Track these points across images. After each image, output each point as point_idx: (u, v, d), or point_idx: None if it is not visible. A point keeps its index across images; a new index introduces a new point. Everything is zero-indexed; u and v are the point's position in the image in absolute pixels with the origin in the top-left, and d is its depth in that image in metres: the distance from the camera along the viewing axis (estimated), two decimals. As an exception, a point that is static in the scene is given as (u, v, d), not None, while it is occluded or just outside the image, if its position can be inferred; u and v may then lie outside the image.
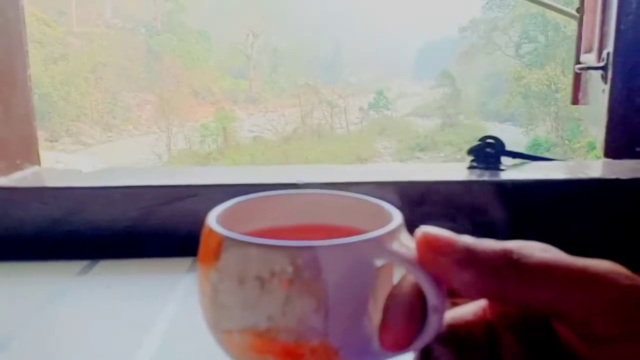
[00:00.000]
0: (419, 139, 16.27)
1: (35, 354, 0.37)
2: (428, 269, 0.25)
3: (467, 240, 0.24)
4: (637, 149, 0.71)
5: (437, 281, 0.26)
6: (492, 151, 0.58)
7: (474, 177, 0.55)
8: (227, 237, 0.28)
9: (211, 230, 0.30)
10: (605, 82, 0.72)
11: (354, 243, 0.28)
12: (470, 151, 0.59)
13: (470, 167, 0.59)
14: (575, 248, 0.28)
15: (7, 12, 0.57)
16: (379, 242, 0.28)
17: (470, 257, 0.23)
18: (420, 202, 0.53)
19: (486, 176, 0.55)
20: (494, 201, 0.54)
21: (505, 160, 0.60)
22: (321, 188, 0.38)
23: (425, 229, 0.25)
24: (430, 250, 0.24)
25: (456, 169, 0.58)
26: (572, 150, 12.94)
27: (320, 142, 15.87)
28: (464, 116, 17.77)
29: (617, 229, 0.54)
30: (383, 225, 0.29)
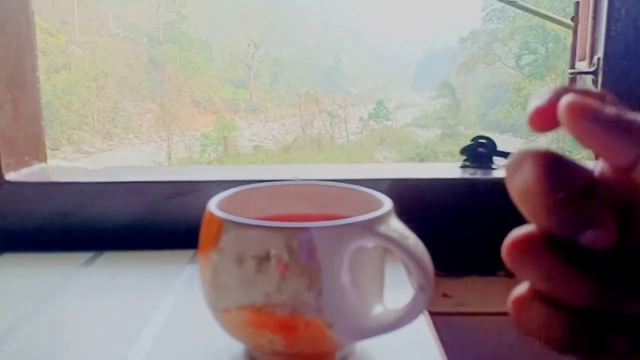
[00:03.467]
0: (418, 149, 16.26)
1: (42, 339, 0.38)
2: (573, 133, 0.23)
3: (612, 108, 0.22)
4: (627, 152, 0.73)
5: (424, 262, 0.28)
6: (485, 151, 0.60)
7: (466, 176, 0.57)
8: (227, 220, 0.30)
9: (212, 215, 0.32)
10: (596, 87, 0.74)
11: (346, 225, 0.30)
12: (463, 151, 0.61)
13: (463, 167, 0.60)
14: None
15: (18, 17, 0.59)
16: (369, 225, 0.30)
17: (615, 120, 0.22)
18: (413, 199, 0.55)
19: (478, 174, 0.57)
20: (485, 198, 0.56)
21: (497, 160, 0.62)
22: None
23: (570, 98, 0.23)
24: (576, 116, 0.23)
25: (449, 168, 0.60)
26: (572, 161, 12.91)
27: (321, 152, 15.88)
28: (464, 127, 17.75)
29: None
30: (373, 211, 0.31)
